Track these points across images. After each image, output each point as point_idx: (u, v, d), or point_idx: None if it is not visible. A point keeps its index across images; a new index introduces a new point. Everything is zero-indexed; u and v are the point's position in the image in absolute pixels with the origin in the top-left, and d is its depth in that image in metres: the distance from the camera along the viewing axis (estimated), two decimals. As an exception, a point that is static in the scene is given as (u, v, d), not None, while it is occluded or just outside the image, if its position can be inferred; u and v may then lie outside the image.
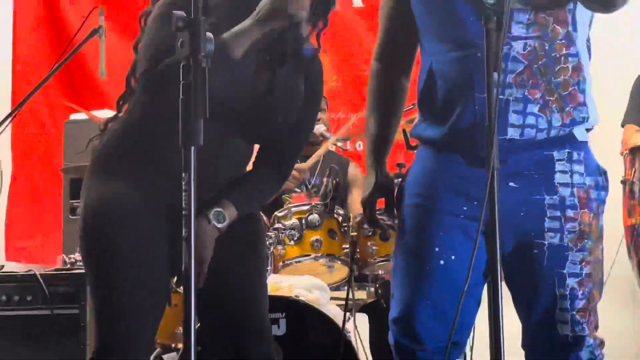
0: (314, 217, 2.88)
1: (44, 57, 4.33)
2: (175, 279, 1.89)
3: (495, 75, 1.43)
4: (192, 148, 1.39)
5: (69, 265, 2.88)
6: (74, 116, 3.81)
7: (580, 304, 1.75)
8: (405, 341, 1.80)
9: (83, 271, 1.82)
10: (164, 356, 2.96)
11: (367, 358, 2.97)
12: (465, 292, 1.52)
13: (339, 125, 3.98)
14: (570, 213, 1.74)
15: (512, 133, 1.72)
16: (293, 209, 2.89)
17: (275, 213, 2.90)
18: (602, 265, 1.82)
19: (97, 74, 3.48)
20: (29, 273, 2.69)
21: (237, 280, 1.85)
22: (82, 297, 2.55)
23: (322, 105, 2.68)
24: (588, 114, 1.78)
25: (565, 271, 1.74)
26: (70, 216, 3.52)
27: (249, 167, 1.95)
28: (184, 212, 1.38)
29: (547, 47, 1.74)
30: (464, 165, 1.75)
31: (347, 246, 2.88)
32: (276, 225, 2.87)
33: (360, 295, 3.05)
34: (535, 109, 1.73)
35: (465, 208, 1.75)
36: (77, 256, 2.79)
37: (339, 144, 3.35)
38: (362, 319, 3.22)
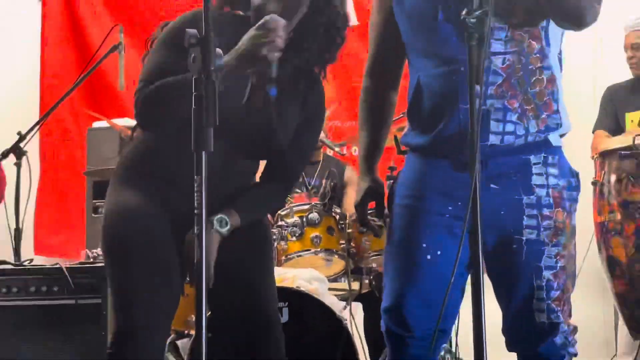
0: (314, 215, 2.89)
1: (68, 71, 4.33)
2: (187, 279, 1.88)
3: (478, 87, 1.42)
4: (203, 153, 1.38)
5: (91, 259, 2.89)
6: (96, 124, 3.82)
7: (555, 294, 1.74)
8: (396, 328, 1.79)
9: (104, 264, 1.82)
10: (178, 342, 2.96)
11: (362, 343, 2.97)
12: (450, 285, 1.52)
13: (336, 131, 3.99)
14: (546, 211, 1.74)
15: (493, 139, 1.72)
16: (294, 208, 2.89)
17: (279, 212, 2.91)
18: (575, 259, 1.82)
19: (117, 86, 3.48)
20: (55, 266, 2.69)
21: (248, 278, 1.83)
22: (104, 288, 2.54)
23: None
24: (561, 121, 1.78)
25: (541, 264, 1.74)
26: (93, 215, 3.53)
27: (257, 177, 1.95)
28: (195, 211, 1.38)
29: (523, 61, 1.73)
30: (449, 170, 1.74)
31: (344, 242, 2.90)
32: (279, 223, 2.88)
33: (356, 286, 3.05)
34: (514, 117, 1.73)
35: (450, 208, 1.75)
36: (99, 251, 2.80)
37: (337, 149, 3.36)
38: (357, 307, 3.22)
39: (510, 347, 1.80)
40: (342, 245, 2.89)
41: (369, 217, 1.93)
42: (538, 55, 1.74)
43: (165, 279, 1.72)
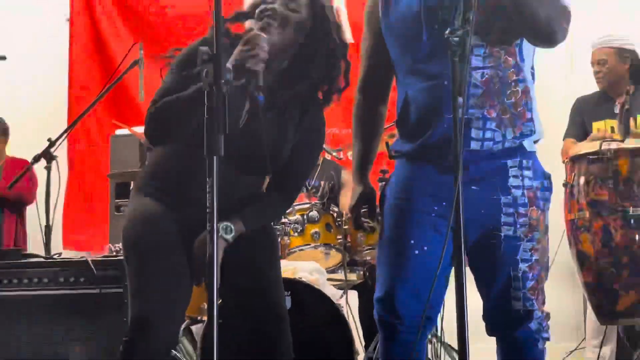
0: (314, 213, 2.88)
1: (93, 84, 4.33)
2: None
3: (460, 99, 1.43)
4: (215, 157, 1.38)
5: (114, 253, 2.88)
6: (118, 132, 3.82)
7: (530, 284, 1.74)
8: (387, 317, 1.79)
9: (123, 259, 1.83)
10: (192, 327, 2.96)
11: (356, 327, 2.97)
12: (436, 277, 1.53)
13: (334, 138, 3.99)
14: (521, 210, 1.74)
15: (474, 145, 1.72)
16: (296, 207, 2.89)
17: (282, 210, 2.90)
18: (548, 252, 1.81)
19: (137, 97, 3.49)
20: (81, 259, 2.68)
21: (257, 274, 1.82)
22: (125, 279, 2.54)
23: None
24: (534, 129, 1.77)
25: (518, 257, 1.74)
26: (115, 213, 3.53)
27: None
28: (207, 210, 1.38)
29: (500, 75, 1.73)
30: (435, 173, 1.74)
31: (341, 237, 2.89)
32: (282, 220, 2.88)
33: (352, 277, 3.05)
34: (493, 125, 1.73)
35: (435, 208, 1.74)
36: (121, 246, 2.79)
37: (334, 154, 3.37)
38: (353, 296, 3.22)
39: (490, 332, 1.80)
40: (339, 240, 2.89)
41: (362, 219, 1.92)
42: (513, 69, 1.74)
43: (175, 273, 1.72)
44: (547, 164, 1.83)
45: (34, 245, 3.54)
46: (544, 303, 1.78)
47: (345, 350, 2.60)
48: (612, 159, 2.60)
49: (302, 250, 2.89)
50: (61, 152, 3.24)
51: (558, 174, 2.30)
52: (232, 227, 1.72)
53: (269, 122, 1.75)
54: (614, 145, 2.64)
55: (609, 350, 3.09)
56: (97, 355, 2.49)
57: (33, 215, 3.51)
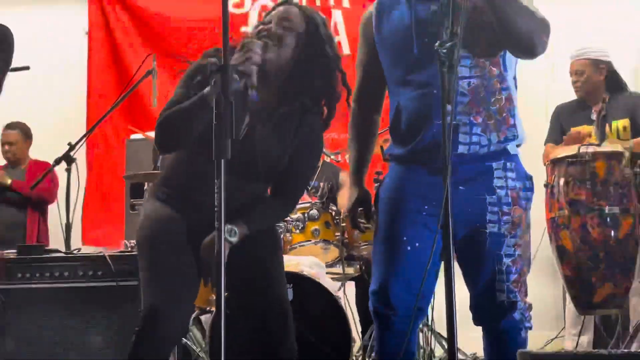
0: (314, 212, 2.89)
1: (110, 92, 4.32)
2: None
3: (449, 106, 1.42)
4: (222, 160, 1.38)
5: (129, 249, 2.88)
6: (133, 136, 3.82)
7: (513, 277, 1.74)
8: (382, 308, 1.79)
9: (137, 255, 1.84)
10: (201, 317, 2.96)
11: (353, 317, 2.97)
12: (427, 271, 1.53)
13: (333, 142, 3.99)
14: (505, 209, 1.74)
15: (462, 149, 1.72)
16: (298, 206, 2.88)
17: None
18: (530, 247, 1.81)
19: (151, 104, 3.49)
20: (99, 254, 2.68)
21: (261, 270, 1.81)
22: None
23: None
24: (517, 133, 1.78)
25: (502, 252, 1.74)
26: (130, 211, 3.52)
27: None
28: (215, 209, 1.37)
29: (485, 84, 1.73)
30: (425, 175, 1.74)
31: (339, 233, 2.89)
32: (285, 218, 2.88)
33: (349, 270, 3.05)
34: (479, 130, 1.73)
35: (426, 207, 1.74)
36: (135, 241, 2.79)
37: (333, 157, 3.37)
38: (351, 287, 3.22)
39: (477, 322, 1.80)
40: (337, 237, 2.89)
41: (359, 219, 1.92)
42: (497, 78, 1.75)
43: (182, 270, 1.72)
44: (529, 166, 1.84)
45: (55, 241, 3.53)
46: (526, 295, 1.78)
47: (343, 339, 2.60)
48: (590, 161, 2.61)
49: (303, 245, 2.89)
50: (80, 155, 3.23)
51: (539, 175, 2.31)
52: (236, 230, 1.70)
53: (268, 134, 1.75)
54: (591, 149, 2.64)
55: (586, 338, 3.09)
56: (114, 343, 2.49)
57: (54, 213, 3.51)
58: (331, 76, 1.80)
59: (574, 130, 2.99)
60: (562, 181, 2.65)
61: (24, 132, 3.97)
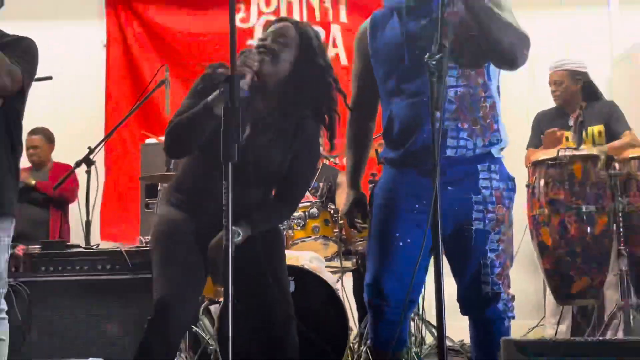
0: (314, 210, 2.88)
1: (127, 99, 4.32)
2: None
3: (438, 113, 1.42)
4: (229, 163, 1.39)
5: (144, 244, 2.88)
6: (148, 141, 3.81)
7: (497, 270, 1.74)
8: (376, 300, 1.78)
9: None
10: (210, 307, 2.96)
11: (350, 307, 2.97)
12: (418, 265, 1.52)
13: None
14: (490, 207, 1.74)
15: (450, 152, 1.72)
16: (299, 205, 2.88)
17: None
18: (512, 243, 1.81)
19: (164, 112, 3.49)
20: (116, 249, 2.68)
21: (265, 266, 1.80)
22: (153, 266, 2.54)
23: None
24: (501, 138, 1.78)
25: (487, 247, 1.74)
26: (145, 210, 3.52)
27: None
28: (223, 208, 1.38)
29: (471, 92, 1.73)
30: (416, 176, 1.73)
31: (337, 230, 2.89)
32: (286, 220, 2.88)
33: (346, 264, 3.04)
34: (465, 135, 1.73)
35: (417, 206, 1.74)
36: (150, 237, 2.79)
37: (332, 159, 3.37)
38: (348, 280, 3.22)
39: (463, 311, 1.80)
40: (335, 233, 2.89)
41: (355, 220, 1.92)
42: (482, 88, 1.75)
43: (190, 266, 1.72)
44: (511, 168, 1.84)
45: (76, 237, 3.54)
46: (509, 286, 1.78)
47: (341, 327, 2.59)
48: (568, 164, 2.61)
49: (304, 241, 2.88)
50: (99, 158, 3.25)
51: (521, 177, 2.30)
52: (240, 232, 1.70)
53: (269, 142, 1.75)
54: (569, 153, 2.64)
55: (565, 327, 3.09)
56: (130, 331, 2.49)
57: (75, 212, 3.52)
58: (325, 84, 1.80)
59: (551, 130, 3.00)
60: (542, 182, 2.65)
61: (47, 137, 3.97)
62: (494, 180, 1.76)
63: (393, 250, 1.76)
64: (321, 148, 1.85)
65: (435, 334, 2.81)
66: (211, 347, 2.76)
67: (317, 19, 4.38)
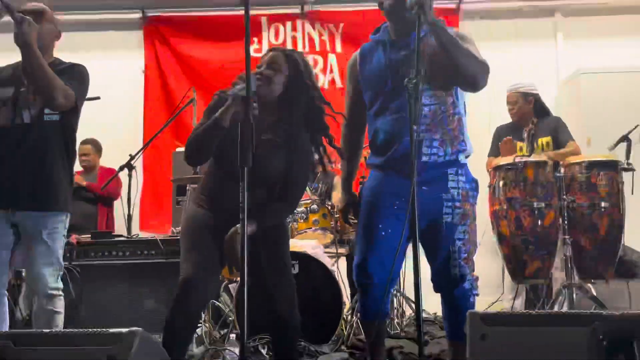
0: (314, 206, 2.89)
1: (161, 115, 4.30)
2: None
3: (415, 127, 1.44)
4: (245, 168, 1.39)
5: (175, 233, 2.89)
6: (178, 149, 3.80)
7: (464, 256, 1.75)
8: (362, 279, 1.79)
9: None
10: (230, 285, 2.96)
11: (344, 286, 2.97)
12: (398, 251, 1.54)
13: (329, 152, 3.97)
14: (457, 204, 1.75)
15: (425, 158, 1.73)
16: (302, 202, 2.89)
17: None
18: (476, 233, 1.82)
19: (192, 125, 3.49)
20: (153, 238, 2.69)
21: (271, 255, 1.80)
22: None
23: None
24: (466, 147, 1.78)
25: (455, 237, 1.74)
26: (176, 205, 3.52)
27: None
28: (240, 205, 1.38)
29: (442, 110, 1.74)
30: (397, 178, 1.74)
31: (333, 223, 2.89)
32: (287, 216, 2.87)
33: (341, 250, 3.04)
34: (437, 144, 1.74)
35: (397, 203, 1.75)
36: (179, 229, 2.79)
37: (330, 164, 3.36)
38: (342, 263, 3.21)
39: (436, 289, 1.80)
40: (332, 225, 2.89)
41: (348, 216, 1.93)
42: (451, 105, 1.75)
43: (208, 253, 1.72)
44: (475, 172, 1.84)
45: (119, 228, 3.53)
46: (474, 269, 1.79)
47: (336, 302, 2.60)
48: (522, 168, 2.61)
49: (305, 232, 2.89)
50: (138, 163, 3.24)
51: (483, 179, 2.30)
52: (247, 227, 1.69)
53: (270, 152, 1.75)
54: (523, 159, 2.65)
55: (520, 302, 3.09)
56: (164, 305, 2.49)
57: (119, 207, 3.51)
58: (311, 98, 1.80)
59: (506, 139, 3.01)
60: (501, 183, 2.65)
61: (96, 146, 3.97)
62: (460, 182, 1.76)
63: (377, 238, 1.76)
64: (318, 167, 1.84)
65: (414, 308, 2.83)
66: (230, 318, 2.76)
67: (317, 49, 4.39)
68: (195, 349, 2.47)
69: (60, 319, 1.96)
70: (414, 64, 1.44)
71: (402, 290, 2.82)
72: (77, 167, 4.01)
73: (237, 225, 1.65)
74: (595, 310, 1.85)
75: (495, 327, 1.17)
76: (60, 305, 1.97)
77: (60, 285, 2.00)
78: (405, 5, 1.56)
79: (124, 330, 1.19)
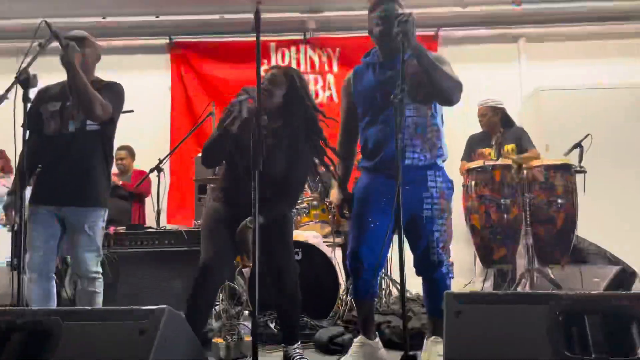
0: (315, 203, 2.89)
1: (185, 126, 4.31)
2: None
3: (400, 135, 1.45)
4: (256, 171, 1.40)
5: (197, 226, 2.89)
6: (199, 155, 3.81)
7: (441, 244, 1.75)
8: (354, 264, 1.79)
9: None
10: (243, 270, 2.96)
11: (340, 270, 2.97)
12: (385, 241, 1.54)
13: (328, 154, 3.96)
14: (435, 201, 1.75)
15: (408, 162, 1.73)
16: (305, 198, 2.89)
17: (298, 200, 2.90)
18: (451, 225, 1.82)
19: (211, 133, 3.48)
20: (178, 230, 2.69)
21: (276, 244, 1.80)
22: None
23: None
24: (443, 152, 1.79)
25: (433, 229, 1.75)
26: (198, 202, 3.52)
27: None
28: (252, 201, 1.38)
29: (423, 121, 1.75)
30: (384, 179, 1.75)
31: (331, 216, 2.89)
32: (297, 207, 2.88)
33: (338, 240, 3.04)
34: (418, 150, 1.74)
35: (384, 199, 1.75)
36: (200, 222, 2.78)
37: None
38: (339, 251, 3.21)
39: (418, 273, 1.80)
40: (330, 218, 2.90)
41: (344, 211, 1.92)
42: (430, 117, 1.76)
43: (223, 241, 1.72)
44: (450, 174, 1.84)
45: (150, 221, 3.53)
46: (449, 256, 1.79)
47: (333, 285, 2.60)
48: (491, 170, 2.62)
49: (307, 224, 2.89)
50: (166, 166, 3.24)
51: (458, 180, 2.31)
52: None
53: (274, 155, 1.75)
54: (491, 163, 2.66)
55: (489, 284, 3.09)
56: (187, 286, 2.44)
57: (149, 203, 3.51)
58: (307, 107, 1.81)
59: (480, 150, 3.03)
60: (473, 183, 2.66)
61: (130, 151, 3.97)
62: (438, 182, 1.77)
63: (367, 229, 1.77)
64: (320, 167, 1.83)
65: (399, 288, 2.83)
66: (244, 297, 2.76)
67: (317, 69, 4.41)
68: (214, 324, 2.48)
69: (99, 298, 1.97)
70: (398, 83, 1.45)
71: (389, 273, 2.82)
72: (114, 169, 4.03)
73: (247, 219, 1.66)
74: (553, 291, 1.86)
75: (468, 305, 1.17)
76: (99, 286, 1.99)
77: (100, 269, 2.01)
78: (391, 34, 1.58)
79: (153, 307, 1.20)
